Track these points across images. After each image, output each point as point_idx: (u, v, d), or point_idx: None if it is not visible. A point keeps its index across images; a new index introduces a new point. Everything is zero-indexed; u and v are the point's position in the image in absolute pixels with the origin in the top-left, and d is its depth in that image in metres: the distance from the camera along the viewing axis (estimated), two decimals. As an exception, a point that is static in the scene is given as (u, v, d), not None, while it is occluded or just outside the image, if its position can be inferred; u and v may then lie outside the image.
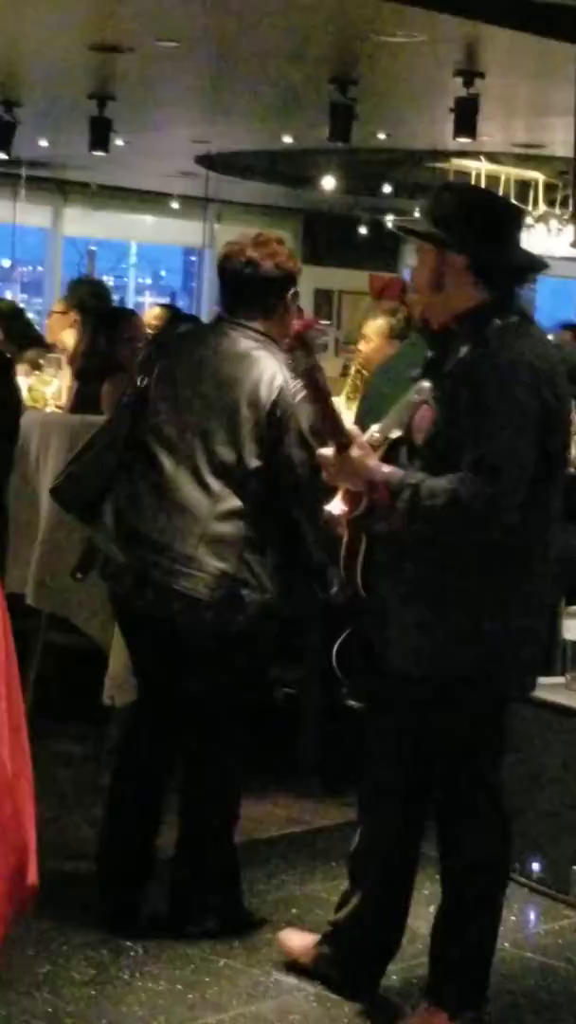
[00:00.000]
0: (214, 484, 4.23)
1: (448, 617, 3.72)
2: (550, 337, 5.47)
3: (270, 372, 4.27)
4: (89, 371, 6.52)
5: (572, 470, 6.65)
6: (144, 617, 4.32)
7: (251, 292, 4.36)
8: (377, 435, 3.87)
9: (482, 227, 3.78)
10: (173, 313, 9.72)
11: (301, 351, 3.89)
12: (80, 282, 8.53)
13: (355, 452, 3.70)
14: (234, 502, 4.23)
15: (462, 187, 4.41)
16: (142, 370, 4.43)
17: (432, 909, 4.76)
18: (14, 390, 5.87)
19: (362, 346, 7.28)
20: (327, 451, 3.79)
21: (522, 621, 3.77)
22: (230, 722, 4.39)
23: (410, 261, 17.19)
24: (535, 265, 3.97)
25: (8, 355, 6.06)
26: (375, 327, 7.11)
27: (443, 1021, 3.86)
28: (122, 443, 4.39)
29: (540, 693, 5.09)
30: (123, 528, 4.29)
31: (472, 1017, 3.89)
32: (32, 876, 2.72)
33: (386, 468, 3.69)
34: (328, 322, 16.93)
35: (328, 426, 3.72)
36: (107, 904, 4.45)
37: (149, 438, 4.32)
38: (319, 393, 3.72)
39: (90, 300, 7.59)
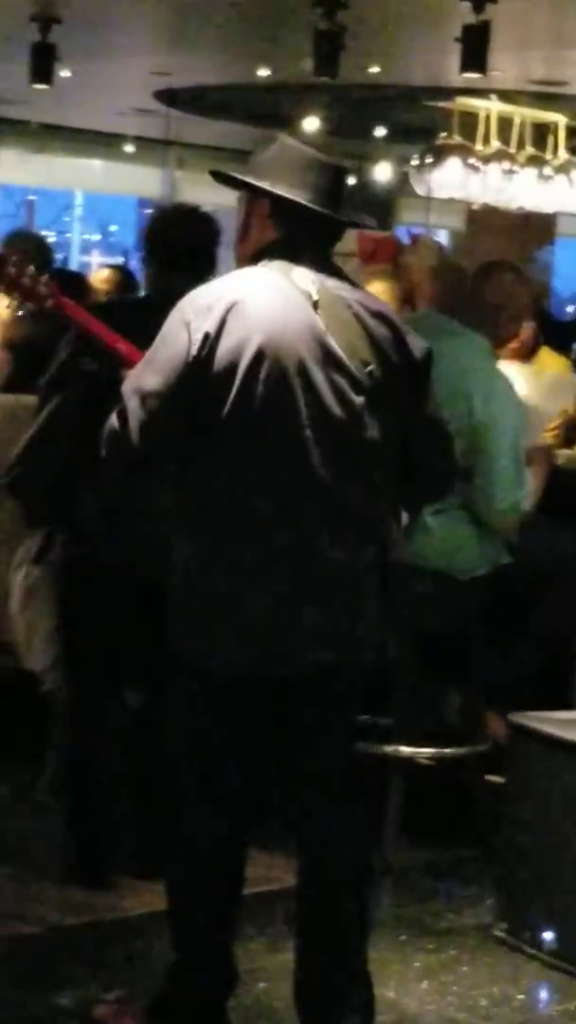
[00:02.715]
0: None
1: None
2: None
3: None
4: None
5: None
6: None
7: None
8: None
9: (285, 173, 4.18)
10: (125, 276, 9.70)
11: None
12: (16, 237, 8.51)
13: None
14: None
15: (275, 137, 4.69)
16: None
17: (425, 984, 4.82)
18: None
19: None
20: None
21: None
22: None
23: (406, 218, 17.27)
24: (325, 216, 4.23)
25: None
26: (385, 290, 7.11)
27: None
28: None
29: (554, 729, 5.14)
30: None
31: None
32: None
33: None
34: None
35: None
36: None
37: None
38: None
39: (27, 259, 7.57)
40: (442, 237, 14.82)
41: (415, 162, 12.34)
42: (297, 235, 4.21)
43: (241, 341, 4.01)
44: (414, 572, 5.55)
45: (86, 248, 21.91)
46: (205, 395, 4.02)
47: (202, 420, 4.04)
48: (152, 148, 17.50)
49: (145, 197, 20.46)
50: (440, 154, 11.75)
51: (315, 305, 4.07)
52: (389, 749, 5.71)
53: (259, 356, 4.01)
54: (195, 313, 4.04)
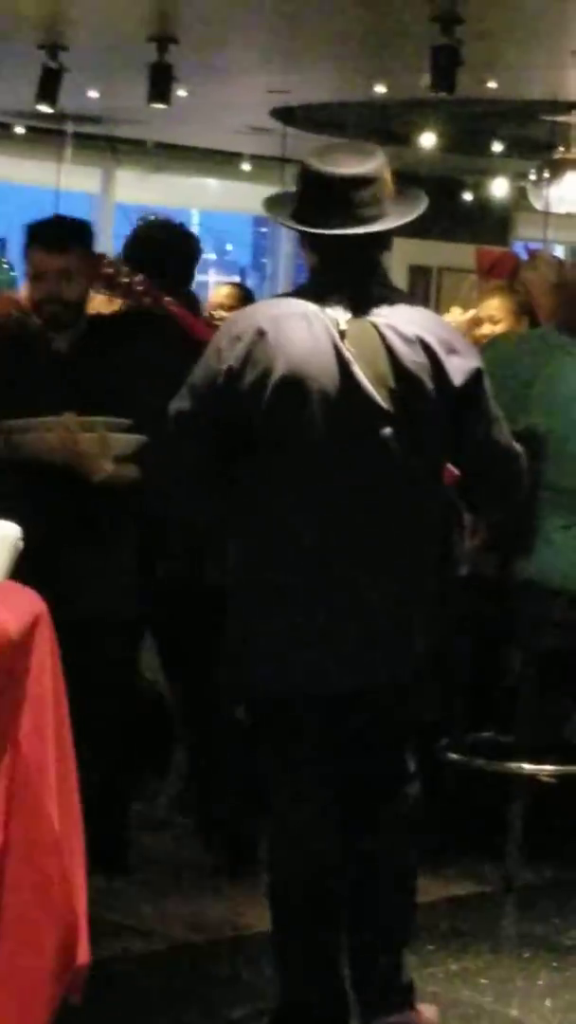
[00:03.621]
0: None
1: None
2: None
3: None
4: None
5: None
6: None
7: None
8: None
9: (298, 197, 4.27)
10: (244, 293, 9.77)
11: None
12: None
13: None
14: None
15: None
16: None
17: (548, 1003, 4.81)
18: None
19: (487, 329, 7.22)
20: None
21: None
22: None
23: (523, 233, 17.20)
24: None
25: None
26: (500, 306, 7.08)
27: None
28: None
29: None
30: None
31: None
32: (83, 954, 2.74)
33: None
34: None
35: None
36: None
37: None
38: None
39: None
40: (560, 252, 14.74)
41: (532, 177, 12.35)
42: (326, 259, 4.29)
43: (265, 372, 4.12)
44: (535, 589, 5.57)
45: (203, 266, 22.02)
46: (234, 421, 4.16)
47: (235, 445, 4.18)
48: (268, 166, 17.51)
49: (260, 215, 20.54)
50: (558, 168, 11.75)
51: (342, 334, 4.12)
52: (512, 766, 5.71)
53: (281, 386, 4.10)
54: (228, 341, 4.19)
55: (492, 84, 11.92)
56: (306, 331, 4.13)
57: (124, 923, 5.01)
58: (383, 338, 4.14)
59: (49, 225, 5.32)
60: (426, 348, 4.15)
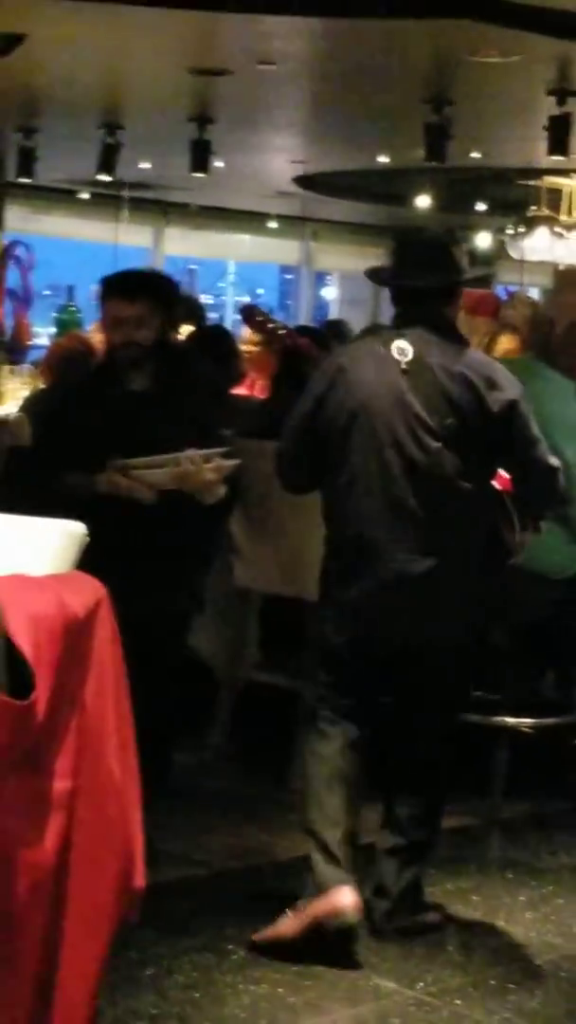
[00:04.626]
0: None
1: None
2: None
3: None
4: None
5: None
6: None
7: None
8: None
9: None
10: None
11: None
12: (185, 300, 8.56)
13: None
14: None
15: None
16: None
17: (529, 915, 4.79)
18: None
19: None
20: None
21: None
22: None
23: (504, 278, 17.13)
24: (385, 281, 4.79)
25: None
26: (508, 343, 7.07)
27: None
28: None
29: None
30: None
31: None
32: (139, 879, 2.72)
33: None
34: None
35: None
36: None
37: None
38: None
39: (184, 318, 7.64)
40: (535, 294, 14.68)
41: (510, 231, 12.27)
42: (398, 308, 4.58)
43: (342, 401, 4.40)
44: (515, 573, 5.54)
45: (236, 307, 21.98)
46: (321, 438, 4.45)
47: (323, 457, 4.45)
48: (291, 224, 17.49)
49: (285, 264, 20.50)
50: (531, 224, 11.69)
51: (404, 372, 4.37)
52: (496, 720, 5.70)
53: (354, 413, 4.39)
54: (317, 377, 4.54)
55: (476, 154, 11.89)
56: (375, 368, 4.42)
57: (173, 852, 4.99)
58: (435, 375, 4.38)
59: (122, 277, 5.11)
60: (469, 385, 4.39)
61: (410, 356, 4.38)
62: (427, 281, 4.49)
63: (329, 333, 8.96)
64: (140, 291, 4.90)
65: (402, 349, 4.40)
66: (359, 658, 4.46)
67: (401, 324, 4.50)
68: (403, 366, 4.37)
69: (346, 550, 4.43)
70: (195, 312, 8.09)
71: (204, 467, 4.74)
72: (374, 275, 4.77)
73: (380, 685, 4.55)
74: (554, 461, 4.52)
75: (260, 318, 6.25)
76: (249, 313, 7.37)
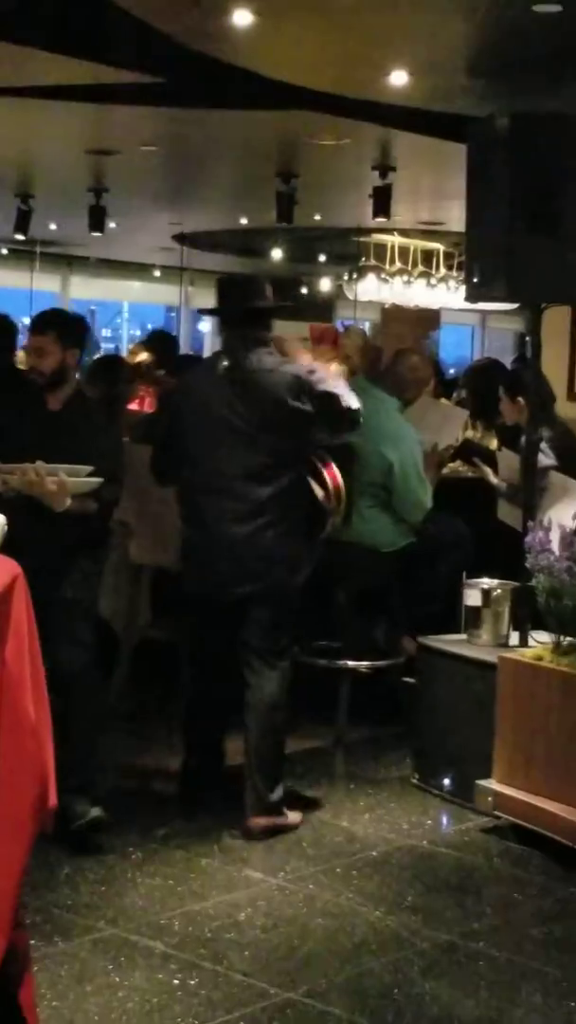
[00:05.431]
0: None
1: None
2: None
3: None
4: None
5: (469, 473, 6.68)
6: None
7: None
8: None
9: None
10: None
11: None
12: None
13: None
14: None
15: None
16: None
17: (367, 816, 4.81)
18: None
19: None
20: None
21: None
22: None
23: (341, 314, 17.19)
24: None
25: None
26: (335, 368, 7.03)
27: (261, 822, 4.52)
28: None
29: (446, 646, 5.15)
30: None
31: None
32: (52, 799, 2.71)
33: None
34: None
35: None
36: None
37: None
38: None
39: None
40: (365, 327, 14.76)
41: (345, 278, 12.34)
42: (221, 332, 4.92)
43: (186, 398, 4.76)
44: (354, 547, 5.58)
45: (131, 340, 21.80)
46: (180, 428, 4.70)
47: (180, 442, 4.68)
48: (172, 273, 17.42)
49: (169, 304, 20.41)
50: (362, 272, 11.78)
51: (228, 380, 4.60)
52: (340, 663, 5.73)
53: (194, 408, 4.65)
54: (172, 398, 5.00)
55: (317, 216, 11.93)
56: (208, 376, 4.68)
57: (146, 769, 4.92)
58: (244, 382, 4.58)
59: (37, 315, 4.93)
60: (263, 389, 4.57)
61: (229, 365, 4.62)
62: (232, 310, 4.68)
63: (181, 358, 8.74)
64: (45, 326, 4.72)
65: (226, 362, 4.64)
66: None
67: (224, 343, 4.79)
68: (225, 374, 4.60)
69: (188, 514, 4.75)
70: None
71: (47, 479, 4.36)
72: (202, 311, 5.27)
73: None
74: (331, 388, 4.56)
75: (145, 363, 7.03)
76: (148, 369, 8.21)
